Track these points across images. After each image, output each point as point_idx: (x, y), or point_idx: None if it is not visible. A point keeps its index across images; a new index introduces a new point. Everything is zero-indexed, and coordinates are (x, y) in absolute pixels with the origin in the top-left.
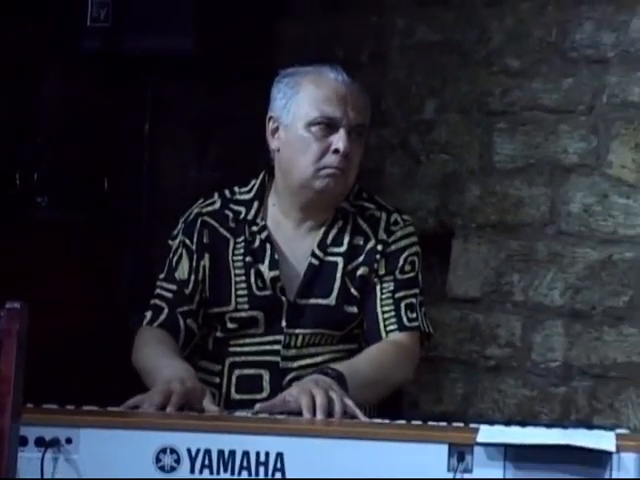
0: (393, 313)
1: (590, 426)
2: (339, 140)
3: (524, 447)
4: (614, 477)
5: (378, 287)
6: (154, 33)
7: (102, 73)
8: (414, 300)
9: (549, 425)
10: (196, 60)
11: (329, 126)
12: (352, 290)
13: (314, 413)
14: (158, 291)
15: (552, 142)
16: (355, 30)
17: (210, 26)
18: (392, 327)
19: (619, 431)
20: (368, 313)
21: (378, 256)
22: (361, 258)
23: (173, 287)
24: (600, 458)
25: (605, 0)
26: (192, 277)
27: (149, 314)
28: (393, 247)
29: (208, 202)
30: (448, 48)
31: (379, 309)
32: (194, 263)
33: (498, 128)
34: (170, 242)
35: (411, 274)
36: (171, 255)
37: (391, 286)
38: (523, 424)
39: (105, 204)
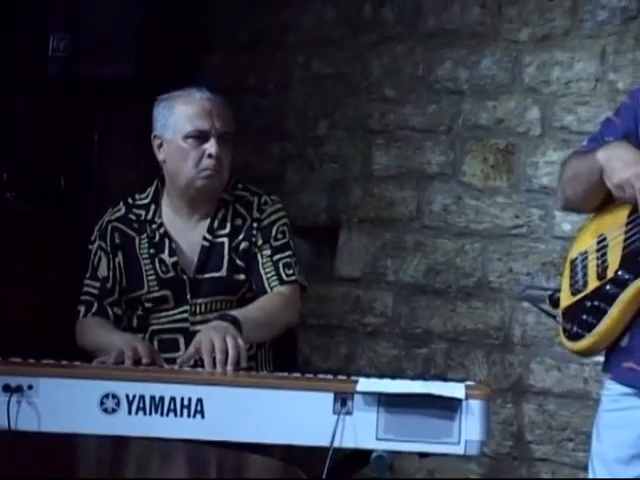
0: (274, 272)
1: (445, 379)
2: (211, 147)
3: (394, 395)
4: (463, 418)
5: (259, 255)
6: (103, 62)
7: (61, 93)
8: (289, 260)
9: (413, 378)
10: (136, 84)
11: (202, 136)
12: (238, 262)
13: (214, 364)
14: (86, 289)
15: (419, 155)
16: (264, 63)
17: (148, 57)
18: (275, 283)
19: (468, 383)
20: (255, 276)
21: (255, 231)
22: (242, 235)
23: (97, 284)
24: (453, 404)
25: (461, 44)
26: (111, 273)
27: (82, 308)
28: (266, 222)
29: (115, 210)
30: (337, 80)
31: (262, 271)
32: (111, 262)
33: (377, 143)
34: (90, 247)
35: (284, 240)
36: (92, 257)
37: (269, 252)
38: (393, 377)
39: (61, 199)
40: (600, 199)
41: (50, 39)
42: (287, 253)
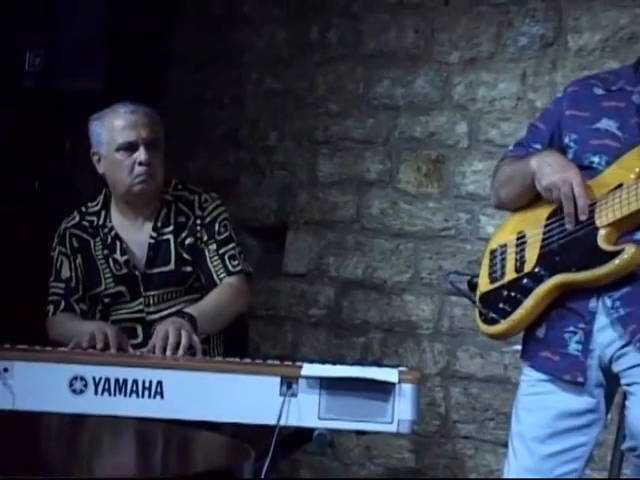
0: (221, 265)
1: (380, 365)
2: (140, 155)
3: (334, 379)
4: (396, 400)
5: (205, 250)
6: (74, 76)
7: (36, 104)
8: (233, 252)
9: (352, 364)
10: (106, 97)
11: (131, 147)
12: (184, 255)
13: (164, 349)
14: (52, 290)
15: (359, 164)
16: (221, 79)
17: (115, 72)
18: (222, 274)
19: (401, 369)
20: (204, 270)
21: (199, 227)
22: (186, 232)
23: (62, 285)
24: (387, 387)
25: (397, 65)
26: (73, 274)
27: (51, 307)
28: (208, 218)
29: (70, 218)
30: (287, 95)
31: (210, 265)
32: (72, 264)
33: (321, 153)
34: (52, 253)
35: (226, 234)
36: (55, 261)
37: (214, 246)
38: (334, 363)
39: (36, 200)
40: (529, 200)
41: (26, 55)
42: (231, 245)
